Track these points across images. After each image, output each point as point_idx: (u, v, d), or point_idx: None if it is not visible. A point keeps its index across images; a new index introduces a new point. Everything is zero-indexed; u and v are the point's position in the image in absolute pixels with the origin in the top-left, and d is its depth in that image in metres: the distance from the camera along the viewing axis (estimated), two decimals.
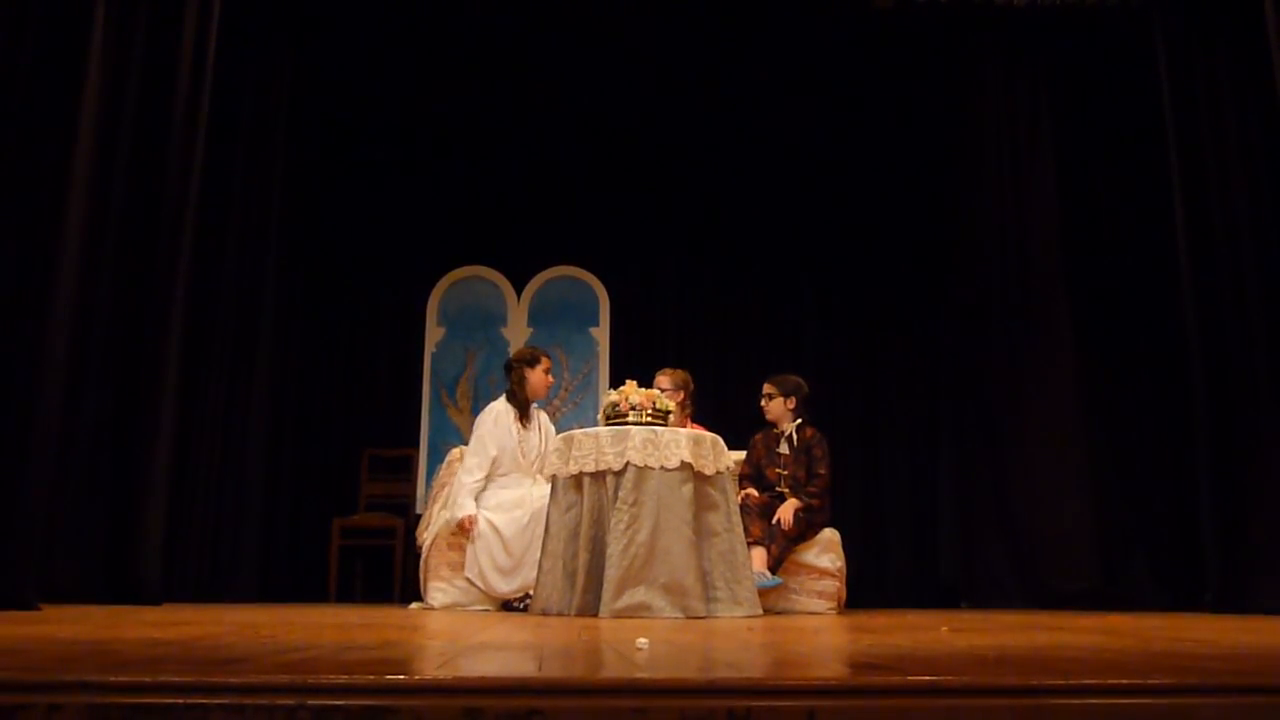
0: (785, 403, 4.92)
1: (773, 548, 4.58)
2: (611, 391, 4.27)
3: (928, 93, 6.84)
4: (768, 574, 4.46)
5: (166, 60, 4.57)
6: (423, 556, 4.81)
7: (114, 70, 4.20)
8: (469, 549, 4.65)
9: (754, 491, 4.82)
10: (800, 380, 5.01)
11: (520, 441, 4.95)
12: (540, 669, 1.50)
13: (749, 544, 4.29)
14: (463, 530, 4.67)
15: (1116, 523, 5.55)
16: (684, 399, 5.07)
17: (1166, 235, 5.28)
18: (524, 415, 5.00)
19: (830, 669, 1.62)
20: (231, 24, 5.16)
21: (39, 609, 3.37)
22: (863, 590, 6.15)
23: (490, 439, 4.87)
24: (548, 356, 5.13)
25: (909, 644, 2.14)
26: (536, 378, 5.00)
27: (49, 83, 3.83)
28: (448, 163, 7.42)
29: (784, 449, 4.88)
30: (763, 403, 4.98)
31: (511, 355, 5.30)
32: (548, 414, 5.32)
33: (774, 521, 4.65)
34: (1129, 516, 5.57)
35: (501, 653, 1.86)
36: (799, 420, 4.91)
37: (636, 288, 7.45)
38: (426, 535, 4.85)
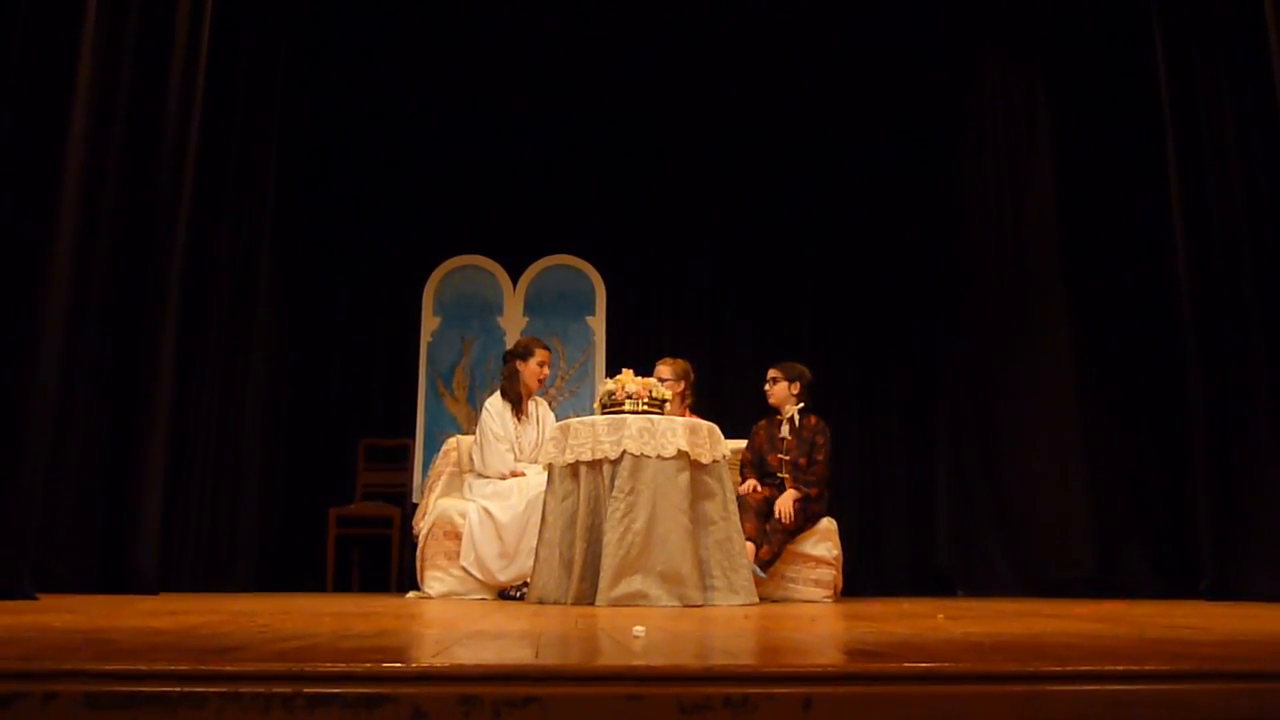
0: (789, 388, 4.95)
1: (767, 547, 4.58)
2: (608, 380, 4.26)
3: (925, 83, 6.83)
4: (756, 568, 4.46)
5: (160, 45, 4.54)
6: (419, 545, 4.81)
7: (107, 55, 4.16)
8: (465, 538, 4.66)
9: (757, 486, 4.82)
10: (804, 369, 5.05)
11: (518, 436, 4.97)
12: (537, 656, 1.50)
13: None
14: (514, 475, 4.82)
15: (1112, 510, 5.56)
16: (684, 389, 5.07)
17: (1164, 224, 5.27)
18: (518, 409, 5.00)
19: (827, 656, 1.63)
20: (227, 7, 5.13)
21: (36, 599, 3.37)
22: (859, 578, 6.17)
23: (495, 424, 4.91)
24: (545, 348, 5.11)
25: (905, 631, 2.14)
26: (529, 371, 5.01)
27: (41, 64, 3.80)
28: (444, 151, 7.40)
29: (785, 433, 4.90)
30: (766, 387, 5.02)
31: (508, 347, 5.32)
32: (545, 403, 5.32)
33: (775, 516, 4.66)
34: (1125, 504, 5.57)
35: (498, 641, 1.86)
36: (801, 405, 4.93)
37: (633, 277, 7.45)
38: (423, 524, 4.85)
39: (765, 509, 4.71)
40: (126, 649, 1.52)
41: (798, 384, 4.96)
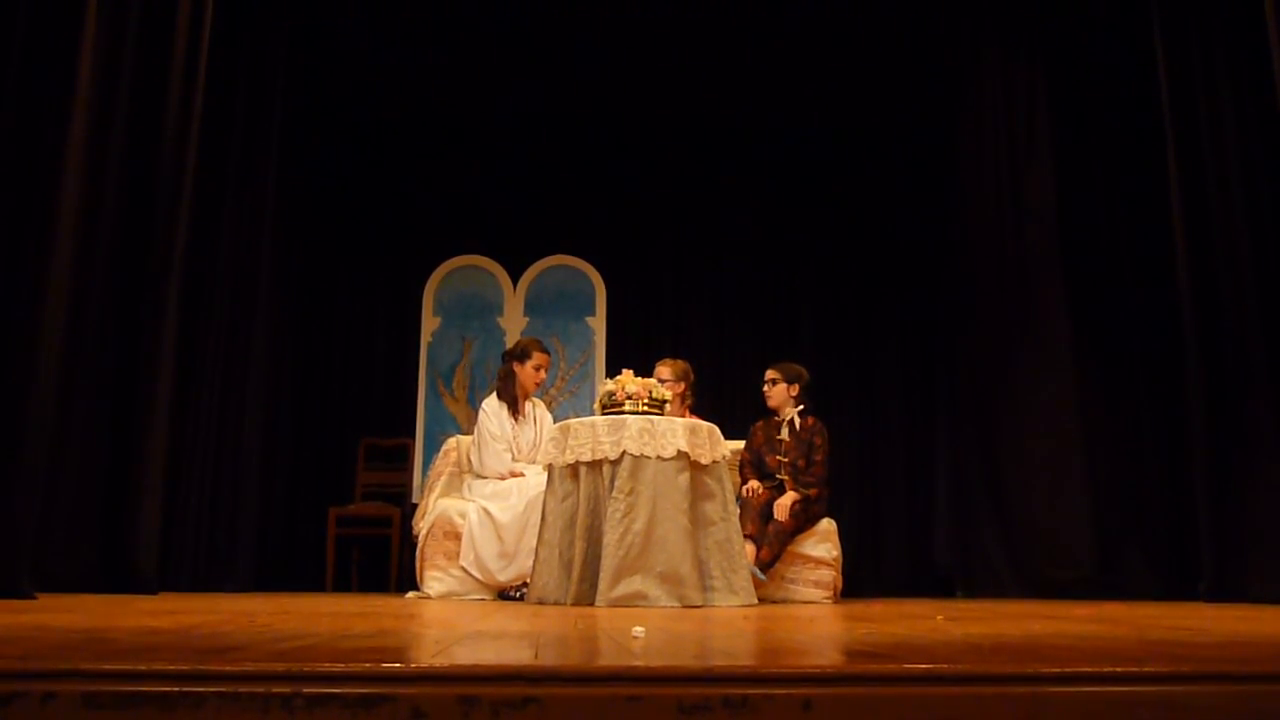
0: (788, 389, 4.95)
1: (767, 548, 4.58)
2: (608, 381, 4.26)
3: (925, 82, 6.83)
4: (755, 570, 4.46)
5: (160, 45, 4.53)
6: (419, 545, 4.81)
7: (107, 55, 4.16)
8: (464, 538, 4.66)
9: (758, 486, 4.82)
10: (803, 369, 5.04)
11: (515, 436, 4.97)
12: (536, 657, 1.50)
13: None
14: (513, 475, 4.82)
15: (1111, 512, 5.56)
16: (684, 390, 5.07)
17: (1164, 224, 5.27)
18: (515, 409, 5.00)
19: (826, 657, 1.63)
20: (228, 8, 5.13)
21: (35, 598, 3.37)
22: (859, 579, 6.17)
23: (493, 425, 4.91)
24: (543, 351, 5.09)
25: (905, 633, 2.14)
26: (525, 373, 5.01)
27: (41, 64, 3.79)
28: (443, 151, 7.40)
29: (784, 435, 4.89)
30: (765, 389, 5.01)
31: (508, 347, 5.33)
32: (544, 404, 5.31)
33: (773, 519, 4.66)
34: (1124, 506, 5.57)
35: (497, 641, 1.86)
36: (800, 407, 4.93)
37: (633, 277, 7.45)
38: (423, 524, 4.85)
39: (767, 510, 4.71)
40: (125, 649, 1.52)
41: (796, 385, 4.96)
